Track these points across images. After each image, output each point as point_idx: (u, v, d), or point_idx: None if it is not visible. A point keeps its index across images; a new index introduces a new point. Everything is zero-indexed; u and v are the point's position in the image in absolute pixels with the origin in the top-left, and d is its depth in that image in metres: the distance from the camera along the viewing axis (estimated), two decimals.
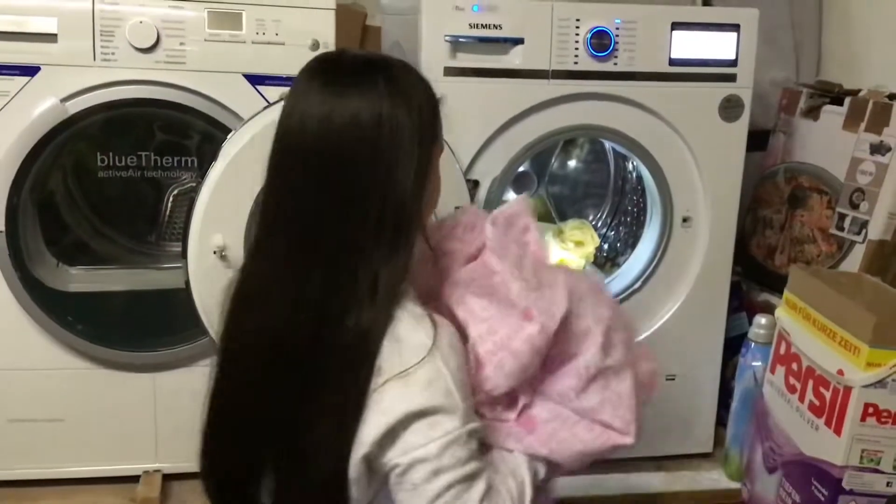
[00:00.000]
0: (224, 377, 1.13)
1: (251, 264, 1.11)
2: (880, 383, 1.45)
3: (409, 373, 1.01)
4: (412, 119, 1.05)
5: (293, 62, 1.71)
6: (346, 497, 1.04)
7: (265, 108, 1.64)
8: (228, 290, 1.12)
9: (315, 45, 1.71)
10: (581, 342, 1.15)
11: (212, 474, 1.15)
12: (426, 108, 1.09)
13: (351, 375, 1.02)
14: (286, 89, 1.66)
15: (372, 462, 1.04)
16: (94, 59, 1.63)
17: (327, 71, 1.09)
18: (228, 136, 1.62)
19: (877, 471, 1.49)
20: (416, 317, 1.05)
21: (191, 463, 1.91)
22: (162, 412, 1.81)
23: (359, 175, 1.03)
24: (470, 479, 1.03)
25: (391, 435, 1.02)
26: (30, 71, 1.61)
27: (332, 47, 1.73)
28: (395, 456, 1.02)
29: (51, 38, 1.61)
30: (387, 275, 1.04)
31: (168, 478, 1.82)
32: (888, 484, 1.48)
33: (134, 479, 1.80)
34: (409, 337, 1.03)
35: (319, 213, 1.04)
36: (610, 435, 1.17)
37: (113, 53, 1.63)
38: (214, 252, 1.59)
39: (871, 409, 1.46)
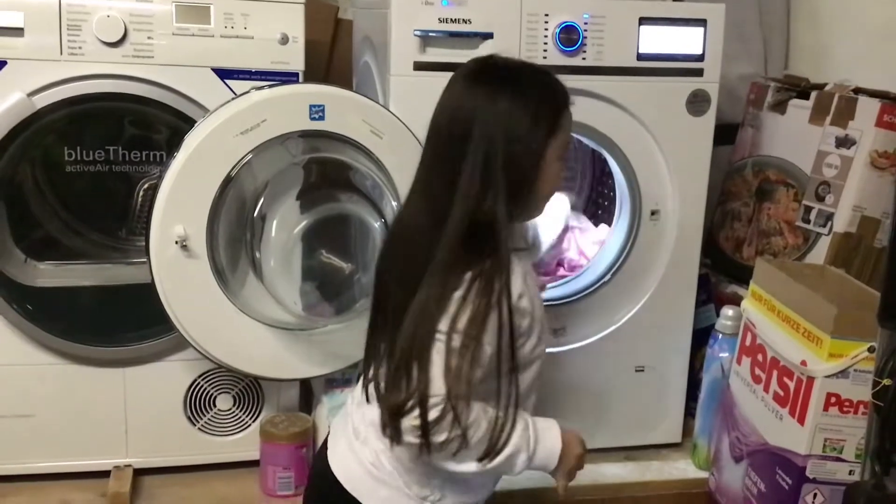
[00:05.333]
0: None
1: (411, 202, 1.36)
2: (842, 373, 1.47)
3: None
4: (529, 112, 1.30)
5: (262, 56, 1.72)
6: None
7: (228, 100, 1.63)
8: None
9: (284, 39, 1.71)
10: None
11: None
12: (544, 106, 1.33)
13: None
14: (255, 83, 1.68)
15: None
16: (61, 53, 1.62)
17: (471, 72, 1.35)
18: (192, 128, 1.62)
19: (840, 459, 1.51)
20: None
21: (161, 457, 1.90)
22: (132, 407, 1.80)
23: (474, 148, 1.28)
24: None
25: None
26: None
27: (301, 41, 1.72)
28: None
29: (17, 32, 1.59)
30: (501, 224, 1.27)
31: (139, 472, 1.82)
32: (850, 472, 1.50)
33: (104, 474, 1.79)
34: None
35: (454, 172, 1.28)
36: None
37: (80, 48, 1.62)
38: (176, 242, 1.59)
39: (833, 399, 1.48)
